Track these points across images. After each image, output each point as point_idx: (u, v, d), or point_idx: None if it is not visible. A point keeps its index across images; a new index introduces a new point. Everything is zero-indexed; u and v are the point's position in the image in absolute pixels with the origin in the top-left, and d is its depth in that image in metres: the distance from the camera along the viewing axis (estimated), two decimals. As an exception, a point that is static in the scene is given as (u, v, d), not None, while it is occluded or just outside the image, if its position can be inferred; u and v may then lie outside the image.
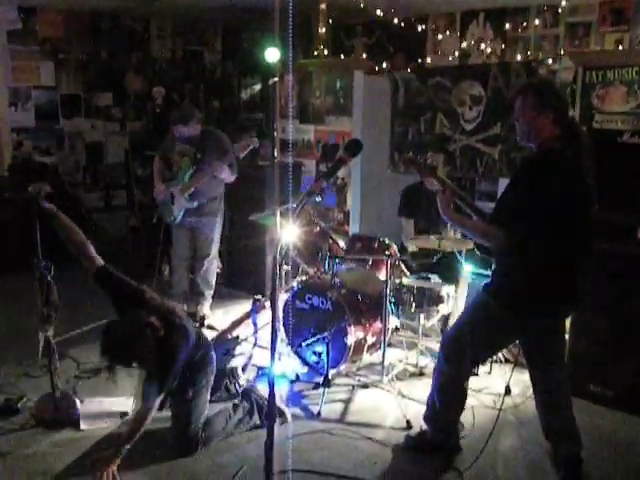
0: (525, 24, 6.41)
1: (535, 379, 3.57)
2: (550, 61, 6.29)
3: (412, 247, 4.91)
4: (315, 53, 6.61)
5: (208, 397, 3.74)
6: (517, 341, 3.63)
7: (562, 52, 6.21)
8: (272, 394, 2.41)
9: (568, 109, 3.17)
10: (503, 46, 6.61)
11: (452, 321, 4.97)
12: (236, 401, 3.95)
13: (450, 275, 4.83)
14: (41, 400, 4.00)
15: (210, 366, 3.77)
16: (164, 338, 3.34)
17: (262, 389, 4.17)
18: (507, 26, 6.50)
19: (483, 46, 6.69)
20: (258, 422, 3.87)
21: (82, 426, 3.89)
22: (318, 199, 4.71)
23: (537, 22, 6.31)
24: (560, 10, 6.08)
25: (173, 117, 5.46)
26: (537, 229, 3.08)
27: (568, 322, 4.55)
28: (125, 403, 4.11)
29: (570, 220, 3.10)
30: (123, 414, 4.02)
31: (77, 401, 4.04)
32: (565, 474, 3.44)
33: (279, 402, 3.99)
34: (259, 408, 3.90)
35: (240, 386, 4.27)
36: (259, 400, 3.94)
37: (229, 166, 5.42)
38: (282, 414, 3.91)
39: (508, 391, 4.41)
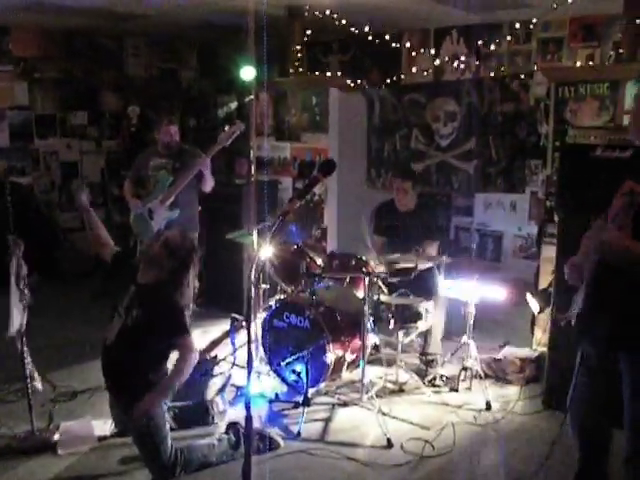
0: (498, 40, 6.48)
1: None
2: (523, 76, 6.36)
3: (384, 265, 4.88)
4: (291, 71, 6.63)
5: (165, 419, 3.61)
6: None
7: (535, 68, 6.29)
8: (249, 416, 2.39)
9: None
10: (477, 62, 6.68)
11: (431, 337, 4.99)
12: (222, 434, 3.88)
13: (427, 291, 4.84)
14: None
15: None
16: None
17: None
18: (480, 42, 6.57)
19: (457, 62, 6.75)
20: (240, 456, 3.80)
21: (59, 451, 3.82)
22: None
23: (510, 38, 6.39)
24: (532, 26, 6.16)
25: (159, 119, 5.49)
26: None
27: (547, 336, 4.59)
28: (102, 427, 4.04)
29: None
30: (100, 438, 3.96)
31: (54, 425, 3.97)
32: None
33: (272, 431, 3.97)
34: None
35: (219, 415, 4.21)
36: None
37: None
38: (274, 442, 3.87)
39: (488, 406, 4.41)
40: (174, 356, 3.61)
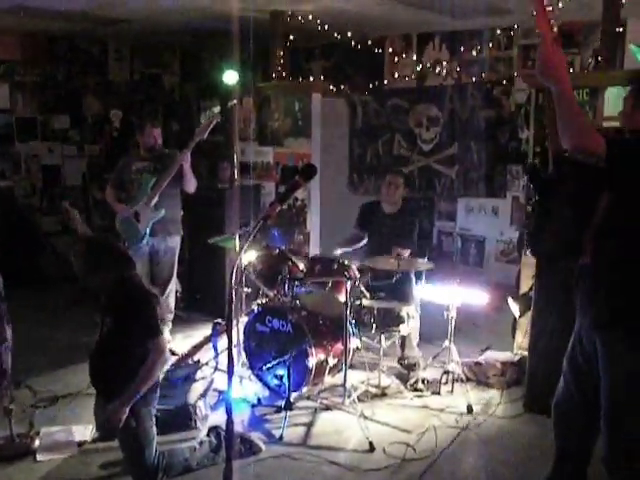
0: (480, 47, 6.53)
1: None
2: (504, 83, 6.42)
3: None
4: (273, 76, 6.64)
5: (153, 422, 3.57)
6: None
7: (516, 74, 6.35)
8: (230, 420, 2.39)
9: None
10: (459, 68, 6.73)
11: (408, 342, 5.02)
12: (203, 437, 3.87)
13: (407, 295, 4.87)
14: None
15: (152, 395, 3.59)
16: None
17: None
18: (462, 48, 6.62)
19: (439, 68, 6.80)
20: (222, 459, 3.79)
21: (39, 457, 3.79)
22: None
23: (491, 45, 6.45)
24: (513, 33, 6.22)
25: (143, 123, 5.46)
26: None
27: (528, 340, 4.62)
28: (83, 432, 4.03)
29: None
30: (81, 443, 3.94)
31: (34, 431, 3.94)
32: None
33: (253, 435, 3.96)
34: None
35: (201, 420, 4.19)
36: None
37: None
38: (255, 446, 3.87)
39: (470, 410, 4.43)
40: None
